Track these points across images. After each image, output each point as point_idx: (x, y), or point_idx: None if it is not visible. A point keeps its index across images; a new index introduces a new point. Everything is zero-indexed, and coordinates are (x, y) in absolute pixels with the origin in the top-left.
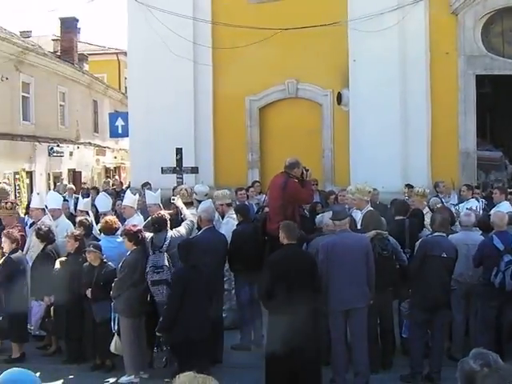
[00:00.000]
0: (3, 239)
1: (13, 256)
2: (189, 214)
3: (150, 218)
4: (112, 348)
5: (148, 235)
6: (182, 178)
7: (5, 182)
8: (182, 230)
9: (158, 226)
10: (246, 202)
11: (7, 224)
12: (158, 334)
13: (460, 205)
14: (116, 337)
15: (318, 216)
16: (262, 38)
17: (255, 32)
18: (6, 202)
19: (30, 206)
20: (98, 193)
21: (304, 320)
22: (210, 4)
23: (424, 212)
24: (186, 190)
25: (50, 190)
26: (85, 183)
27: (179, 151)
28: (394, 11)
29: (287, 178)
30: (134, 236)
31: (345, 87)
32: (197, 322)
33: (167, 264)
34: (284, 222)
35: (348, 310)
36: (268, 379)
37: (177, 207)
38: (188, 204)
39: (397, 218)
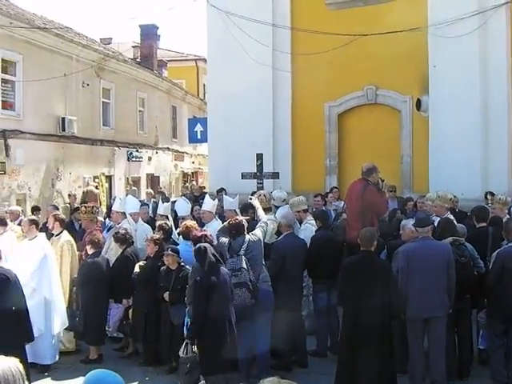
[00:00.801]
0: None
1: (89, 260)
2: (263, 215)
3: (225, 223)
4: (181, 352)
5: (225, 240)
6: (262, 184)
7: (95, 186)
8: (258, 233)
9: (235, 231)
10: (324, 208)
11: (86, 227)
12: (187, 341)
13: None
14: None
15: (403, 221)
16: (341, 44)
17: (334, 38)
18: (81, 207)
19: (112, 209)
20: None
21: (372, 326)
22: (290, 10)
23: (504, 220)
24: (264, 195)
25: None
26: (160, 188)
27: (260, 157)
28: (474, 16)
29: (366, 185)
30: (199, 241)
31: (424, 93)
32: (223, 326)
33: (245, 267)
34: (364, 229)
35: (427, 318)
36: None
37: (253, 209)
38: (266, 209)
39: (479, 225)
